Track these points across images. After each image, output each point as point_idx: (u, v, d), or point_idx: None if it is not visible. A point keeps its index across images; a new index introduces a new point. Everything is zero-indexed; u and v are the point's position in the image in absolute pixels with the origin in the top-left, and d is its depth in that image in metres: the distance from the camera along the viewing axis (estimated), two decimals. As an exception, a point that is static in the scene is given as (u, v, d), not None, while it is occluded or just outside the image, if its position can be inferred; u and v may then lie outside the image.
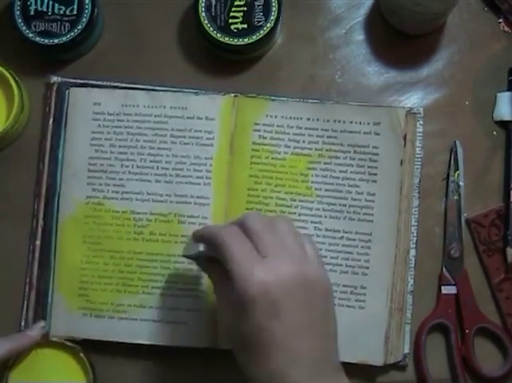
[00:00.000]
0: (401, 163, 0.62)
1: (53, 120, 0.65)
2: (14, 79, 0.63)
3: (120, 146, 0.63)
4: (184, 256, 0.55)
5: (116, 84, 0.65)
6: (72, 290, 0.62)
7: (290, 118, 0.63)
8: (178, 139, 0.63)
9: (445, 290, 0.63)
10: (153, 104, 0.63)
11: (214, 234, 0.50)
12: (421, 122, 0.64)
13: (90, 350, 0.62)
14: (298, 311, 0.47)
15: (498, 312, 0.63)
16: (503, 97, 0.65)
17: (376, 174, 0.62)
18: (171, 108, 0.63)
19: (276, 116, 0.63)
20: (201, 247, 0.51)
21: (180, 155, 0.63)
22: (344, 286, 0.61)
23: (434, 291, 0.64)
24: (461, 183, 0.64)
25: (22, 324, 0.63)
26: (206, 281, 0.62)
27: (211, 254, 0.50)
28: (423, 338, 0.62)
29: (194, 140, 0.63)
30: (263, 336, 0.46)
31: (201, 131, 0.63)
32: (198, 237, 0.53)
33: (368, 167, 0.62)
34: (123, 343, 0.62)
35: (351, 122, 0.62)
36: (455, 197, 0.64)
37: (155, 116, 0.63)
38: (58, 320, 0.62)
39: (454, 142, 0.65)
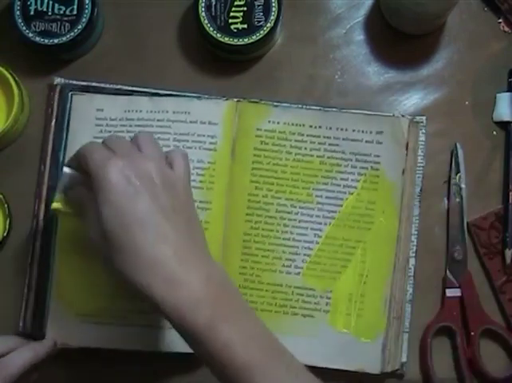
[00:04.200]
0: (403, 173, 0.62)
1: (56, 122, 0.65)
2: (14, 79, 0.63)
3: None
4: (52, 203, 0.54)
5: (118, 86, 0.65)
6: (70, 295, 0.61)
7: (292, 124, 0.63)
8: (181, 143, 0.62)
9: (449, 293, 0.63)
10: (156, 109, 0.63)
11: (77, 151, 0.52)
12: (423, 131, 0.64)
13: (85, 357, 0.62)
14: (159, 194, 0.49)
15: (501, 314, 0.63)
16: (503, 98, 0.65)
17: (377, 183, 0.62)
18: (173, 112, 0.63)
19: (278, 123, 0.63)
20: (65, 169, 0.53)
21: None
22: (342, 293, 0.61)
23: (436, 292, 0.64)
24: (463, 186, 0.64)
25: (21, 324, 0.63)
26: None
27: (75, 176, 0.52)
28: (428, 341, 0.62)
29: (198, 144, 0.62)
30: (125, 214, 0.47)
31: (204, 135, 0.62)
32: (67, 163, 0.54)
33: (370, 175, 0.62)
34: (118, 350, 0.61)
35: (353, 130, 0.62)
36: (457, 199, 0.64)
37: (158, 120, 0.63)
38: (55, 326, 0.61)
39: (455, 144, 0.65)
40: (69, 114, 0.64)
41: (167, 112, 0.63)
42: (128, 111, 0.63)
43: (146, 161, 0.50)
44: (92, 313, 0.61)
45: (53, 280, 0.62)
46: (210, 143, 0.62)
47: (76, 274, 0.62)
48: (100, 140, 0.58)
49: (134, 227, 0.47)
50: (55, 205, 0.54)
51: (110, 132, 0.63)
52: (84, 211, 0.50)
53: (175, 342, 0.60)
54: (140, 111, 0.63)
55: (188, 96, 0.64)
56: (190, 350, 0.59)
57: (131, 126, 0.63)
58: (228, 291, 0.50)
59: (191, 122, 0.62)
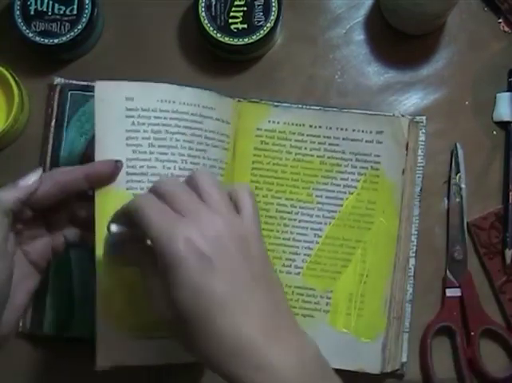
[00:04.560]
0: (403, 173, 0.62)
1: (56, 121, 0.65)
2: (14, 79, 0.63)
3: (159, 146, 0.56)
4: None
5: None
6: (118, 311, 0.55)
7: (292, 124, 0.63)
8: (210, 141, 0.58)
9: (449, 292, 0.63)
10: (189, 101, 0.57)
11: (127, 204, 0.46)
12: (423, 131, 0.64)
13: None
14: (236, 265, 0.43)
15: (501, 314, 0.63)
16: (503, 98, 0.65)
17: (377, 182, 0.62)
18: (203, 107, 0.58)
19: (278, 122, 0.63)
20: (113, 228, 0.47)
21: (213, 158, 0.59)
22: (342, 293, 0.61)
23: (436, 292, 0.64)
24: (463, 186, 0.64)
25: (20, 324, 0.62)
26: None
27: (125, 233, 0.47)
28: (428, 341, 0.62)
29: (220, 144, 0.60)
30: (202, 296, 0.42)
31: (224, 134, 0.60)
32: (114, 219, 0.48)
33: (370, 175, 0.62)
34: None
35: (353, 130, 0.62)
36: (457, 199, 0.64)
37: (192, 114, 0.57)
38: (106, 345, 0.54)
39: (455, 144, 0.65)
40: (94, 106, 0.55)
41: (199, 106, 0.57)
42: (162, 101, 0.56)
43: (214, 219, 0.44)
44: (145, 328, 0.55)
45: (96, 298, 0.55)
46: (227, 142, 0.61)
47: (120, 289, 0.55)
48: (134, 140, 0.55)
49: (214, 310, 0.42)
50: None
51: (144, 124, 0.56)
52: (143, 276, 0.45)
53: None
54: (173, 102, 0.56)
55: (209, 91, 0.59)
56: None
57: (166, 118, 0.56)
58: (323, 367, 0.45)
59: (216, 119, 0.59)
